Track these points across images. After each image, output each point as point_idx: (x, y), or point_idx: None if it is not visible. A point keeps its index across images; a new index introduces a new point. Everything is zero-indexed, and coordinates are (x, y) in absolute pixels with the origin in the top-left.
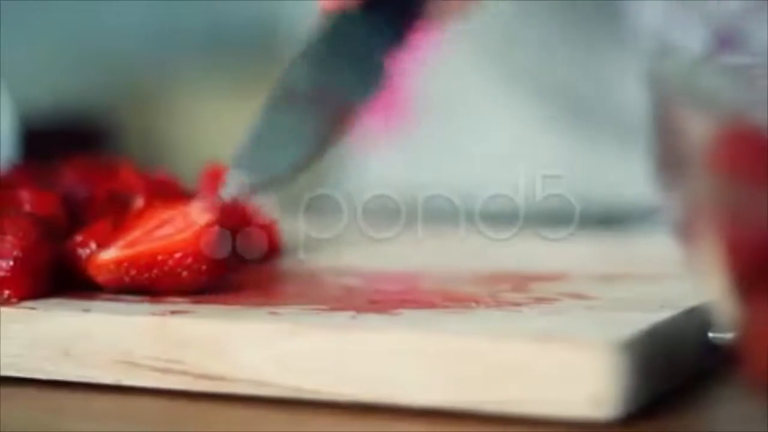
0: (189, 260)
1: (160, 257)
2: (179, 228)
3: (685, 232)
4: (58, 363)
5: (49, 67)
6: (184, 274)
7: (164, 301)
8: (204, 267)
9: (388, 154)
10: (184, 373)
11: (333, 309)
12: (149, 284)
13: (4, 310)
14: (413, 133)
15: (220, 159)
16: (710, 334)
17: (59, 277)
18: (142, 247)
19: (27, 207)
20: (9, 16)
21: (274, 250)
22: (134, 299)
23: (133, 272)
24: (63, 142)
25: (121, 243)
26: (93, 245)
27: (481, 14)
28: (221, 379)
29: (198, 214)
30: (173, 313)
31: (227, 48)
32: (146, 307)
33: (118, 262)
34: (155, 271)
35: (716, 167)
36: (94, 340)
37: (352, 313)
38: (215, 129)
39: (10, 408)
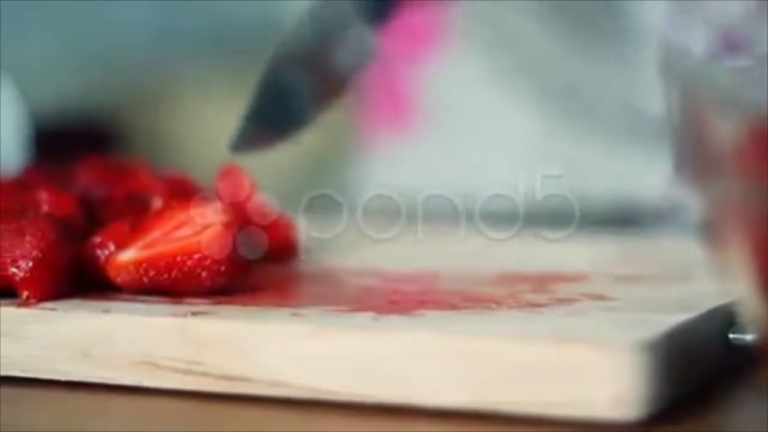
0: (208, 261)
1: (179, 258)
2: (198, 229)
3: (710, 232)
4: (78, 364)
5: (53, 68)
6: (204, 275)
7: (184, 302)
8: (223, 268)
9: (389, 154)
10: (204, 374)
11: (353, 310)
12: (168, 285)
13: (25, 311)
14: (414, 132)
15: (225, 157)
16: (731, 335)
17: (77, 278)
18: (161, 248)
19: (45, 207)
20: (13, 18)
21: (290, 250)
22: (154, 300)
23: (152, 273)
24: (68, 142)
25: (139, 244)
26: (111, 246)
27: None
28: (242, 380)
29: (216, 215)
30: (194, 314)
31: (231, 48)
32: (166, 308)
33: (137, 264)
34: (174, 272)
35: (742, 167)
36: (115, 341)
37: (373, 314)
38: (219, 128)
39: (30, 409)
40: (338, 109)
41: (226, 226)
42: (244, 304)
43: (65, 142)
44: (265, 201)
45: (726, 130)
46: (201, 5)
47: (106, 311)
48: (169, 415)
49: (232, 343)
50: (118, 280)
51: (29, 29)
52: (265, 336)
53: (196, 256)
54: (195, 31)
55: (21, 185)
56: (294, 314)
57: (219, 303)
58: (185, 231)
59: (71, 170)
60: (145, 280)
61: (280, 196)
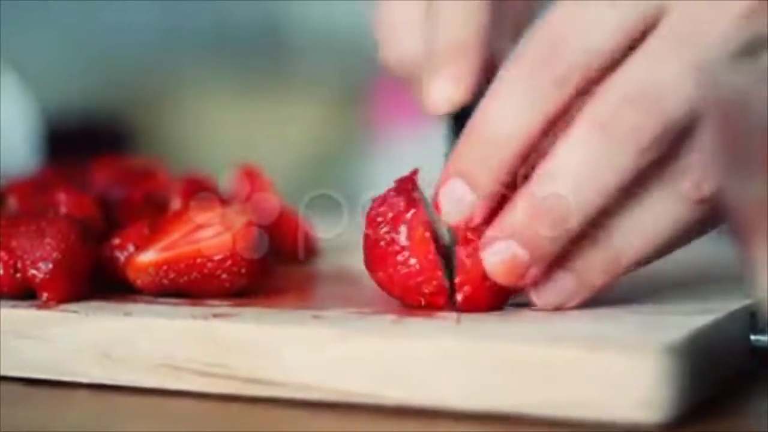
0: (228, 263)
1: (199, 260)
2: (218, 230)
3: (738, 231)
4: (99, 366)
5: (55, 69)
6: (224, 276)
7: (205, 304)
8: (244, 269)
9: (389, 153)
10: (226, 377)
11: (375, 312)
12: (189, 287)
13: (45, 313)
14: (415, 132)
15: (228, 156)
16: (752, 338)
17: (96, 280)
18: (180, 250)
19: (63, 208)
20: (15, 20)
21: (309, 251)
22: (175, 302)
23: (172, 275)
24: (71, 142)
25: (159, 246)
26: (131, 248)
27: None
28: (264, 382)
29: (236, 216)
30: (215, 316)
31: (231, 48)
32: (187, 310)
33: (157, 265)
34: (195, 274)
35: None
36: (136, 343)
37: (394, 317)
38: (219, 127)
39: (50, 411)
40: (340, 109)
41: (247, 227)
42: (266, 306)
43: (67, 142)
44: (277, 200)
45: (757, 128)
46: (201, 5)
47: (128, 314)
48: (190, 417)
49: (253, 346)
50: (138, 282)
51: (31, 31)
52: (287, 338)
53: (217, 257)
54: (195, 31)
55: (38, 186)
56: (315, 316)
57: (240, 305)
58: (205, 232)
59: (87, 171)
60: (165, 282)
61: (282, 195)
